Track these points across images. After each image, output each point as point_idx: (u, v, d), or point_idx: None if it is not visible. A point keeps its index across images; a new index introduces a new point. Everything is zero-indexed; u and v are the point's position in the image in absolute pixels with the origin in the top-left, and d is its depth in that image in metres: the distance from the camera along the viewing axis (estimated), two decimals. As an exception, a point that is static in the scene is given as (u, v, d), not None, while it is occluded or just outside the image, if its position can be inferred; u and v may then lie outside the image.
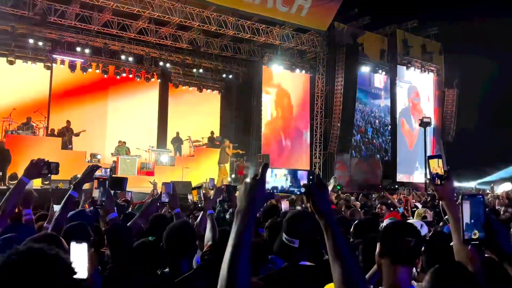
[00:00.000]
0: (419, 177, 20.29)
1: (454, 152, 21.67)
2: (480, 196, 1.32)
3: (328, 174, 17.93)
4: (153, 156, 15.28)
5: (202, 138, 16.78)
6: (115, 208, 2.89)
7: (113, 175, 3.05)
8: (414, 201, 6.62)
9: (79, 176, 9.30)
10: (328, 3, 16.16)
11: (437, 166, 1.74)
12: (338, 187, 11.60)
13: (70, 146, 14.05)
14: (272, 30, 16.41)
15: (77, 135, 14.20)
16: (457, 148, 21.54)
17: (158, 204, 2.58)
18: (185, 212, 6.93)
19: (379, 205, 5.34)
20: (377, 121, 19.87)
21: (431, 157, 1.77)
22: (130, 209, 4.19)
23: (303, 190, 1.32)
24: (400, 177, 20.13)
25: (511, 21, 18.82)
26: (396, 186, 19.28)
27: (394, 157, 20.15)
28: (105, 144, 16.31)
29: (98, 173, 2.88)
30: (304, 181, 1.33)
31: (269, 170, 1.30)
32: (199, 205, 2.81)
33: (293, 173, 1.35)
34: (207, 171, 14.73)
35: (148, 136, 17.22)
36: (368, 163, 19.57)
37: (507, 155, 20.83)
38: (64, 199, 2.68)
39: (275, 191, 1.34)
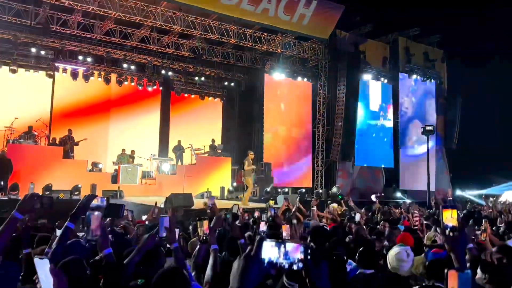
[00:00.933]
0: (420, 184, 20.17)
1: (457, 159, 21.55)
2: (469, 272, 1.28)
3: (330, 182, 17.86)
4: (155, 165, 15.25)
5: (204, 146, 16.74)
6: (113, 237, 2.84)
7: (110, 202, 2.95)
8: (418, 217, 6.53)
9: (79, 186, 9.25)
10: (330, 11, 16.16)
11: (451, 217, 1.68)
12: (340, 197, 11.50)
13: (72, 155, 14.03)
14: (274, 38, 16.42)
15: (77, 144, 14.18)
16: (460, 156, 21.42)
17: (156, 239, 2.49)
18: (187, 218, 6.89)
19: (382, 222, 5.25)
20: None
21: (445, 207, 1.72)
22: (131, 232, 4.09)
23: (301, 265, 1.26)
24: (404, 184, 20.00)
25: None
26: (399, 194, 19.21)
27: (397, 164, 20.04)
28: (107, 152, 16.29)
29: (94, 202, 2.81)
30: (297, 254, 1.27)
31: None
32: (204, 238, 2.69)
33: (283, 245, 1.28)
34: (208, 179, 14.70)
35: (149, 144, 17.21)
36: (370, 171, 19.46)
37: (510, 163, 20.69)
38: (61, 231, 2.60)
39: (271, 267, 1.27)
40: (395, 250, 2.96)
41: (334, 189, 13.24)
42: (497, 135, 21.45)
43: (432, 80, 21.04)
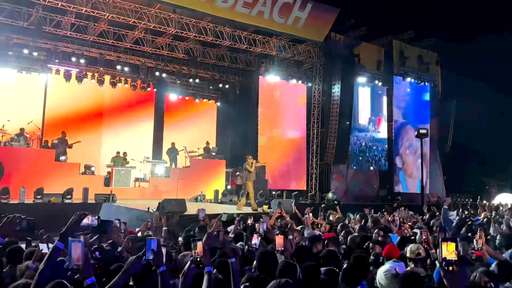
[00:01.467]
0: (414, 187, 20.25)
1: (450, 162, 21.64)
2: None
3: (325, 184, 17.85)
4: (148, 168, 15.15)
5: (198, 148, 16.65)
6: (100, 254, 2.76)
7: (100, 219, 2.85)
8: (409, 223, 6.51)
9: (72, 189, 9.12)
10: (325, 14, 16.15)
11: (450, 250, 1.61)
12: (336, 202, 11.42)
13: (64, 158, 13.90)
14: (268, 40, 16.38)
15: (70, 146, 14.05)
16: (453, 159, 21.51)
17: (142, 261, 2.40)
18: (180, 225, 6.82)
19: (376, 230, 5.20)
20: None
21: (445, 239, 1.65)
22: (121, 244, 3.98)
23: None
24: (396, 187, 20.05)
25: (508, 34, 18.91)
26: (393, 197, 19.23)
27: (391, 167, 20.08)
28: (100, 155, 16.17)
29: (85, 221, 2.71)
30: None
31: None
32: (198, 259, 2.60)
33: None
34: (203, 182, 14.62)
35: (143, 146, 17.11)
36: (364, 174, 19.48)
37: (504, 166, 20.84)
38: (49, 252, 2.48)
39: None
40: (384, 267, 2.92)
41: (330, 195, 13.18)
42: (490, 139, 21.56)
43: (426, 83, 21.11)
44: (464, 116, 21.39)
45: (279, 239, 3.18)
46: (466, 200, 20.46)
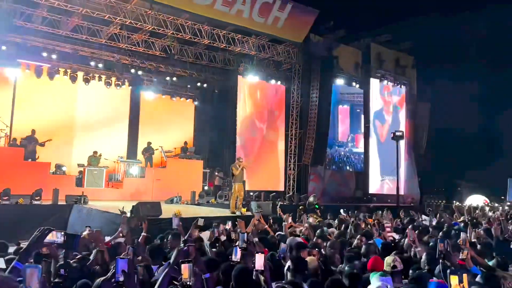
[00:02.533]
0: (389, 188, 20.51)
1: (425, 164, 22.02)
2: None
3: (302, 186, 17.82)
4: (122, 167, 14.73)
5: (175, 148, 16.32)
6: (66, 271, 2.51)
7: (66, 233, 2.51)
8: (389, 227, 6.47)
9: (41, 190, 8.68)
10: (304, 16, 16.12)
11: (460, 284, 1.48)
12: (316, 206, 11.31)
13: (36, 157, 13.33)
14: (248, 40, 16.21)
15: (42, 145, 13.50)
16: (428, 161, 21.89)
17: (112, 284, 2.16)
18: (155, 230, 6.56)
19: (359, 236, 5.10)
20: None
21: (453, 272, 1.52)
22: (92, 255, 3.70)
23: None
24: (372, 189, 20.26)
25: (482, 36, 19.36)
26: (369, 199, 19.40)
27: (366, 168, 20.27)
28: (72, 154, 15.62)
29: (49, 238, 2.41)
30: None
31: None
32: (188, 284, 2.35)
33: None
34: (179, 183, 14.30)
35: (117, 146, 16.61)
36: (341, 175, 19.59)
37: (477, 168, 21.34)
38: (7, 271, 2.21)
39: None
40: (375, 284, 2.79)
41: (311, 198, 13.10)
42: (463, 141, 22.07)
43: (402, 86, 21.41)
44: (438, 118, 21.82)
45: (259, 259, 2.93)
46: (439, 201, 20.91)
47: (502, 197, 21.41)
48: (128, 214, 7.69)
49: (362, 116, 20.36)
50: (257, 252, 2.97)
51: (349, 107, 20.01)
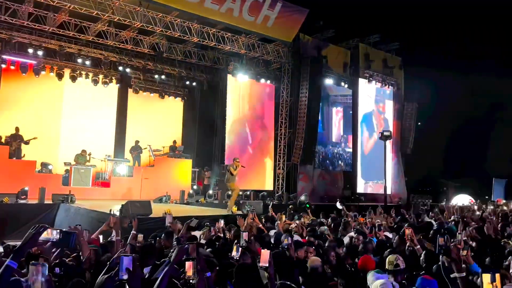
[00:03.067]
0: (377, 188, 20.66)
1: (412, 164, 22.26)
2: None
3: (291, 185, 17.83)
4: (110, 166, 14.52)
5: (163, 147, 16.16)
6: (63, 269, 2.42)
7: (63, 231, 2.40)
8: (381, 225, 6.47)
9: (27, 189, 8.48)
10: (294, 15, 16.13)
11: (493, 283, 1.44)
12: (308, 205, 11.25)
13: (22, 155, 13.05)
14: (237, 38, 16.14)
15: (27, 143, 13.23)
16: (415, 160, 22.13)
17: (115, 281, 2.08)
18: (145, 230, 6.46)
19: (356, 235, 5.08)
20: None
21: (485, 271, 1.49)
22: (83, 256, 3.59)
23: None
24: (360, 188, 20.38)
25: (468, 38, 19.66)
26: (357, 198, 19.51)
27: (355, 167, 20.38)
28: (58, 152, 15.35)
29: (44, 236, 2.29)
30: None
31: None
32: (191, 281, 2.28)
33: None
34: (168, 183, 14.17)
35: (104, 144, 16.39)
36: (330, 174, 19.65)
37: (463, 168, 21.68)
38: (1, 269, 2.09)
39: None
40: (380, 281, 2.76)
41: (303, 197, 13.10)
42: (450, 141, 22.38)
43: (390, 86, 21.58)
44: (425, 119, 22.08)
45: (265, 254, 2.88)
46: (426, 201, 21.12)
47: (487, 197, 21.78)
48: (117, 214, 7.56)
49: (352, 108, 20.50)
50: (263, 248, 2.93)
51: (342, 109, 20.15)
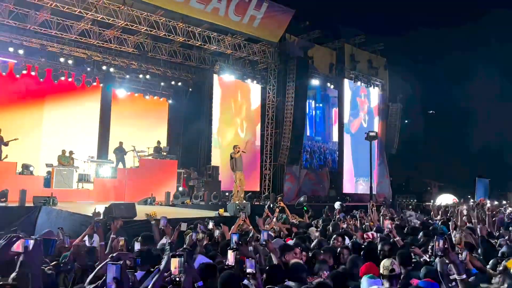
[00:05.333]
0: (362, 188, 20.80)
1: (397, 164, 22.48)
2: None
3: (278, 185, 17.80)
4: (93, 168, 14.23)
5: (148, 148, 15.90)
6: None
7: (38, 238, 2.22)
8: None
9: (6, 191, 8.18)
10: (280, 15, 16.11)
11: None
12: (305, 209, 11.06)
13: (3, 157, 12.69)
14: (223, 38, 16.03)
15: (6, 144, 12.86)
16: (399, 160, 22.35)
17: None
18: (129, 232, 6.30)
19: (334, 236, 5.03)
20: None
21: None
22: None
23: None
24: (346, 188, 20.49)
25: (452, 38, 19.93)
26: (343, 198, 19.58)
27: (341, 168, 20.48)
28: (40, 154, 14.99)
29: (15, 248, 2.12)
30: None
31: None
32: (176, 279, 2.18)
33: None
34: (153, 184, 13.95)
35: (87, 145, 16.08)
36: (316, 174, 19.69)
37: (446, 168, 21.98)
38: None
39: None
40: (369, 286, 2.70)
41: (302, 199, 13.04)
42: (434, 142, 22.66)
43: (375, 87, 21.75)
44: (409, 119, 22.31)
45: (250, 263, 2.77)
46: (410, 200, 21.34)
47: (469, 196, 22.10)
48: (101, 216, 7.38)
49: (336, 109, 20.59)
50: (248, 257, 2.82)
51: (328, 105, 20.24)
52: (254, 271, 2.76)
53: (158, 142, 16.31)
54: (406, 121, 21.67)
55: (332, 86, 20.12)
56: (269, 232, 4.20)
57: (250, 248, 3.62)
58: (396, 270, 3.10)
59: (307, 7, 17.93)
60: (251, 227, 5.25)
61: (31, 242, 2.08)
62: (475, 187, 19.49)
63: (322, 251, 4.36)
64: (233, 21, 14.97)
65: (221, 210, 9.69)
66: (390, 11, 21.53)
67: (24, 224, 9.30)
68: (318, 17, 18.83)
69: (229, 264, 3.06)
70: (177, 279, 2.20)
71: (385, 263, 3.15)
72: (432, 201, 12.20)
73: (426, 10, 20.90)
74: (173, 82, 18.40)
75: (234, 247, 3.28)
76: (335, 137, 20.61)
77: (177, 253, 2.28)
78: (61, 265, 3.24)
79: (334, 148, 20.50)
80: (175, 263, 2.23)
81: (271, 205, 9.91)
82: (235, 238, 3.41)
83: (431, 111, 21.83)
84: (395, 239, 4.71)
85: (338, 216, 7.93)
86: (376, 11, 20.74)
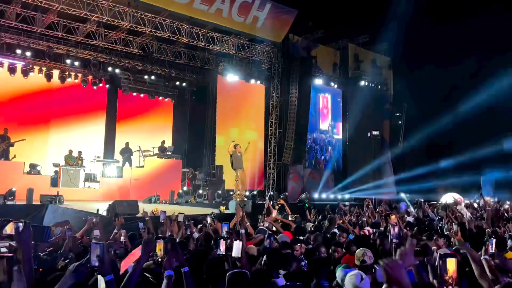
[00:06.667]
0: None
1: (401, 164, 22.42)
2: None
3: (282, 185, 17.90)
4: (99, 167, 14.48)
5: (153, 147, 16.13)
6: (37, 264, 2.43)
7: (32, 224, 2.40)
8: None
9: (14, 190, 8.42)
10: (283, 15, 16.23)
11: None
12: (307, 205, 11.20)
13: (12, 157, 12.97)
14: (227, 39, 16.19)
15: (12, 145, 13.12)
16: (404, 161, 22.29)
17: (86, 269, 2.12)
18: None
19: (339, 233, 5.11)
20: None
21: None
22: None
23: None
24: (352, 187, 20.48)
25: (457, 37, 19.85)
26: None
27: (345, 167, 20.49)
28: (47, 154, 15.28)
29: (7, 230, 2.29)
30: None
31: None
32: (158, 260, 2.34)
33: None
34: (157, 183, 14.17)
35: (94, 145, 16.36)
36: (320, 174, 19.75)
37: (451, 166, 21.85)
38: None
39: None
40: (352, 272, 2.81)
41: (303, 196, 13.24)
42: (439, 140, 22.56)
43: (379, 87, 21.75)
44: (414, 119, 22.25)
45: (236, 246, 2.91)
46: (416, 199, 21.27)
47: (476, 195, 21.99)
48: (105, 213, 7.58)
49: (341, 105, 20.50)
50: (235, 240, 2.98)
51: (329, 95, 20.18)
52: (239, 255, 2.91)
53: (163, 142, 16.53)
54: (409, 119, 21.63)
55: (335, 86, 20.18)
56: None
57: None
58: (367, 261, 3.17)
59: (310, 7, 17.99)
60: (248, 224, 5.34)
61: (21, 225, 2.25)
62: (481, 185, 19.44)
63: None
64: (237, 22, 15.12)
65: (223, 208, 9.83)
66: (394, 10, 21.49)
67: (32, 222, 9.52)
68: (322, 17, 18.86)
69: (220, 253, 3.20)
70: (159, 259, 2.36)
71: (357, 253, 3.22)
72: (439, 200, 12.17)
73: (431, 8, 20.84)
74: (178, 83, 18.62)
75: (225, 236, 3.43)
76: (340, 136, 20.61)
77: (161, 236, 2.44)
78: (59, 252, 3.41)
79: (338, 148, 20.51)
80: (160, 245, 2.40)
81: (271, 196, 10.08)
82: (225, 227, 3.55)
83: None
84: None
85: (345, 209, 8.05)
86: (379, 10, 20.70)
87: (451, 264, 1.63)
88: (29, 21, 13.62)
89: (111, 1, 13.14)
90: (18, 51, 14.41)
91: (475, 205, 11.70)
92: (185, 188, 15.04)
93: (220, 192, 13.42)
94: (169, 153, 16.19)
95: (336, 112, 20.48)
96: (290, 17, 16.36)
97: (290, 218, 7.38)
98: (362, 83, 20.69)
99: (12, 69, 14.91)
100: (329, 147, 20.09)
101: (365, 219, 6.88)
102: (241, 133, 18.05)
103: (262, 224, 5.82)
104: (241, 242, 2.95)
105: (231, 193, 15.51)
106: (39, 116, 15.95)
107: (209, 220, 5.78)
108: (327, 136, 19.94)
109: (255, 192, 15.73)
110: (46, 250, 3.31)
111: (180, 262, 2.49)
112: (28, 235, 2.22)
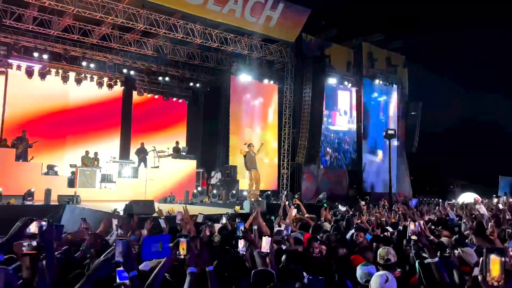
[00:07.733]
0: (382, 188, 20.60)
1: (416, 163, 22.17)
2: None
3: (295, 184, 17.85)
4: (115, 168, 14.63)
5: (168, 148, 16.22)
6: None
7: (50, 220, 2.49)
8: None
9: (33, 190, 8.55)
10: (296, 15, 16.17)
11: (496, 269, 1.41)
12: (325, 205, 11.14)
13: (30, 158, 13.21)
14: (240, 39, 16.21)
15: (30, 146, 13.35)
16: (420, 159, 22.04)
17: (111, 265, 2.16)
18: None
19: (356, 233, 5.05)
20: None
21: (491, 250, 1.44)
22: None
23: None
24: (366, 187, 20.33)
25: (470, 35, 19.57)
26: (362, 197, 19.47)
27: (360, 167, 20.33)
28: (64, 155, 15.52)
29: (32, 229, 2.37)
30: None
31: None
32: (181, 257, 2.38)
33: None
34: (172, 183, 14.27)
35: (110, 146, 16.55)
36: (334, 173, 19.64)
37: (469, 166, 21.56)
38: None
39: None
40: (379, 273, 2.77)
41: (321, 196, 13.16)
42: (456, 139, 22.25)
43: (394, 85, 21.53)
44: (429, 117, 21.99)
45: (266, 241, 2.93)
46: (433, 199, 21.01)
47: (494, 195, 21.60)
48: (121, 213, 7.66)
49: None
50: (264, 235, 3.00)
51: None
52: (268, 251, 2.94)
53: (177, 143, 16.62)
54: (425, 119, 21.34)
55: (349, 85, 20.03)
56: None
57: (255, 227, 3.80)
58: (392, 260, 3.14)
59: (323, 6, 17.91)
60: (263, 224, 5.31)
61: (44, 224, 2.32)
62: (499, 185, 19.09)
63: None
64: (250, 22, 15.12)
65: (237, 207, 9.85)
66: (408, 9, 21.26)
67: (50, 222, 9.67)
68: (335, 16, 18.75)
69: (240, 250, 3.25)
70: (182, 256, 2.38)
71: (381, 252, 3.18)
72: (453, 200, 12.01)
73: (445, 7, 20.58)
74: (191, 84, 18.73)
75: (241, 235, 3.44)
76: (354, 136, 20.46)
77: (183, 234, 2.45)
78: (75, 250, 3.48)
79: (353, 147, 20.36)
80: (182, 244, 2.42)
81: (286, 195, 10.04)
82: (241, 226, 3.57)
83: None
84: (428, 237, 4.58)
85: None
86: (394, 8, 20.51)
87: (495, 262, 1.56)
88: (46, 24, 13.86)
89: (126, 4, 13.29)
90: (35, 54, 14.66)
91: (500, 206, 11.46)
92: (199, 189, 15.11)
93: (234, 192, 13.45)
94: (183, 153, 16.28)
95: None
96: (303, 16, 16.30)
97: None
98: (377, 81, 20.51)
99: (29, 72, 15.18)
100: (344, 145, 19.93)
101: (384, 219, 6.81)
102: (255, 133, 18.07)
103: (278, 225, 5.80)
104: (270, 238, 2.98)
105: (245, 193, 15.53)
106: (56, 117, 16.20)
107: (224, 220, 5.78)
108: (340, 135, 19.79)
109: (269, 192, 15.71)
110: (61, 249, 3.37)
111: (205, 261, 2.51)
112: (51, 233, 2.27)
